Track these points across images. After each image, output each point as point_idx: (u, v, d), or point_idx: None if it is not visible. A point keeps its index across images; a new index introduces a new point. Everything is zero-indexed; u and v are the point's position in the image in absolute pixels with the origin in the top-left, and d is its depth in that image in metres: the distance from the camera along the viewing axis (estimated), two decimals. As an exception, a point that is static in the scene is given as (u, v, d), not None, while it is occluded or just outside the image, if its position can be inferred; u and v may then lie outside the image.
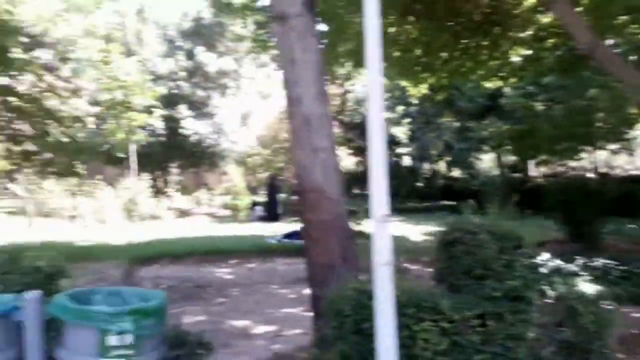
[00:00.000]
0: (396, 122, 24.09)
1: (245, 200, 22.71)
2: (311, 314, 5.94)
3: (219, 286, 7.82)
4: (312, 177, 3.69)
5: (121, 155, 16.00)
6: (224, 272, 9.11)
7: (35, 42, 9.12)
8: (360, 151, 23.60)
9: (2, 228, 10.64)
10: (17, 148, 8.57)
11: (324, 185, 3.68)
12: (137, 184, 20.15)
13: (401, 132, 24.28)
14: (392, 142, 22.36)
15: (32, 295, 2.46)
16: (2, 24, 7.46)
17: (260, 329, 5.52)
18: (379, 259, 2.55)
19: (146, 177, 21.36)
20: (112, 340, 2.25)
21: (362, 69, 12.03)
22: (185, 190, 25.06)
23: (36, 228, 15.06)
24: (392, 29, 9.51)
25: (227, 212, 22.65)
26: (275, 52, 10.82)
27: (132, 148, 20.34)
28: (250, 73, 25.88)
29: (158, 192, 22.04)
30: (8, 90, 8.26)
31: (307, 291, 7.25)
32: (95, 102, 12.05)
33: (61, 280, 3.12)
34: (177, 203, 22.09)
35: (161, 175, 24.97)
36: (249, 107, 26.78)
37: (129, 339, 2.27)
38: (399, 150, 24.14)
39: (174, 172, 24.10)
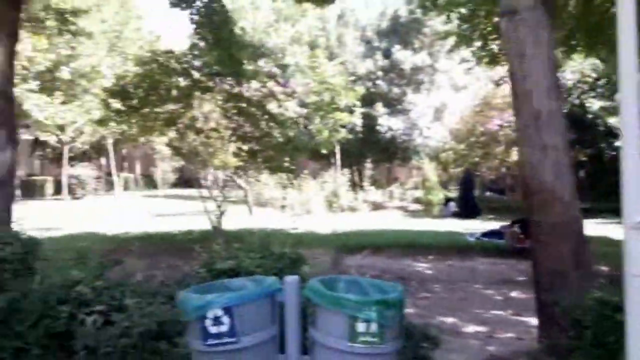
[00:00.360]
0: (613, 112, 21.13)
1: (438, 195, 22.39)
2: (522, 318, 5.71)
3: (420, 280, 7.89)
4: (541, 177, 3.49)
5: (324, 151, 17.23)
6: (423, 266, 9.16)
7: (259, 53, 10.34)
8: (569, 145, 21.29)
9: (231, 216, 12.34)
10: (244, 147, 9.83)
11: (554, 185, 3.46)
12: (337, 177, 21.48)
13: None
14: (610, 134, 19.70)
15: (292, 279, 2.78)
16: (238, 40, 8.66)
17: (470, 328, 5.43)
18: (632, 269, 2.33)
19: (346, 172, 22.59)
20: (360, 327, 2.41)
21: (572, 56, 11.04)
22: (378, 184, 25.82)
23: (255, 216, 17.18)
24: (614, 9, 8.39)
25: (418, 207, 22.65)
26: (477, 45, 10.48)
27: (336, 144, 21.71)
28: (446, 67, 25.26)
29: (355, 185, 23.12)
30: (239, 97, 9.54)
31: (514, 294, 6.97)
32: (303, 104, 13.20)
33: (303, 266, 3.51)
34: (372, 196, 22.87)
35: (357, 169, 26.12)
36: (443, 101, 26.22)
37: (374, 327, 2.40)
38: (619, 143, 21.09)
39: (368, 167, 24.97)
